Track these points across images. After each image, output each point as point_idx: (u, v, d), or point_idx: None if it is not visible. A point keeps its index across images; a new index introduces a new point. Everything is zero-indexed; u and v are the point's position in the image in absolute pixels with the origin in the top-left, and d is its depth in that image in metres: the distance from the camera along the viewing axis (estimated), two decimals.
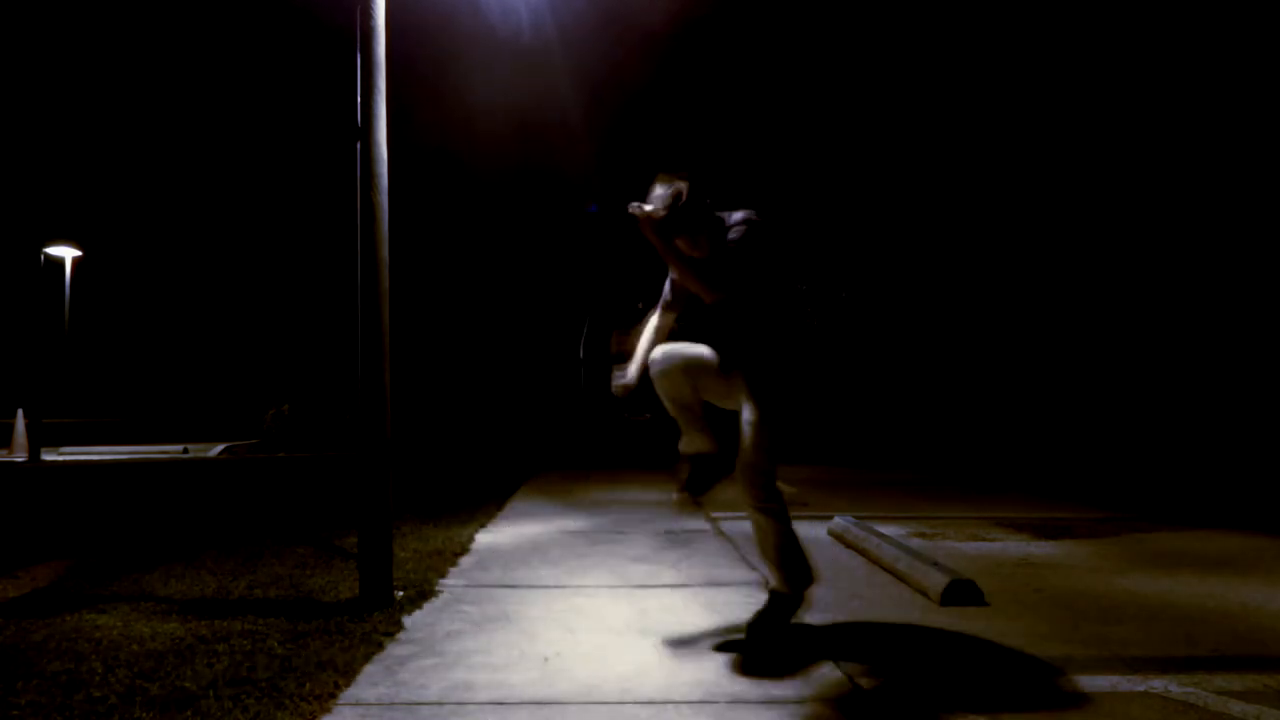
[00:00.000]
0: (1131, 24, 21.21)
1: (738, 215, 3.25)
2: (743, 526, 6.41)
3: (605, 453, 15.26)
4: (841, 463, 13.52)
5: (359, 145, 3.90)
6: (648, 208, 3.08)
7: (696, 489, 3.34)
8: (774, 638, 3.22)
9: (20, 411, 15.72)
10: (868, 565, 4.85)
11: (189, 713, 2.52)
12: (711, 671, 2.93)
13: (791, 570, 3.27)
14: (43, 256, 16.16)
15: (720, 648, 3.19)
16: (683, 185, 3.14)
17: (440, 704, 2.62)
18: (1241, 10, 19.05)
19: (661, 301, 3.51)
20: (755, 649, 3.15)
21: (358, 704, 2.62)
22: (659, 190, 3.16)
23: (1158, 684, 2.81)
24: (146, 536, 5.90)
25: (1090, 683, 2.83)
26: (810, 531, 6.14)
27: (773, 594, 3.35)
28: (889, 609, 3.84)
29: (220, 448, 16.99)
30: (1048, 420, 19.70)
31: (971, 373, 22.92)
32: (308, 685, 2.74)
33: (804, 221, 25.32)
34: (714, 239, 3.21)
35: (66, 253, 16.30)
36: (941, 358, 23.70)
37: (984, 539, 5.81)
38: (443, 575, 4.46)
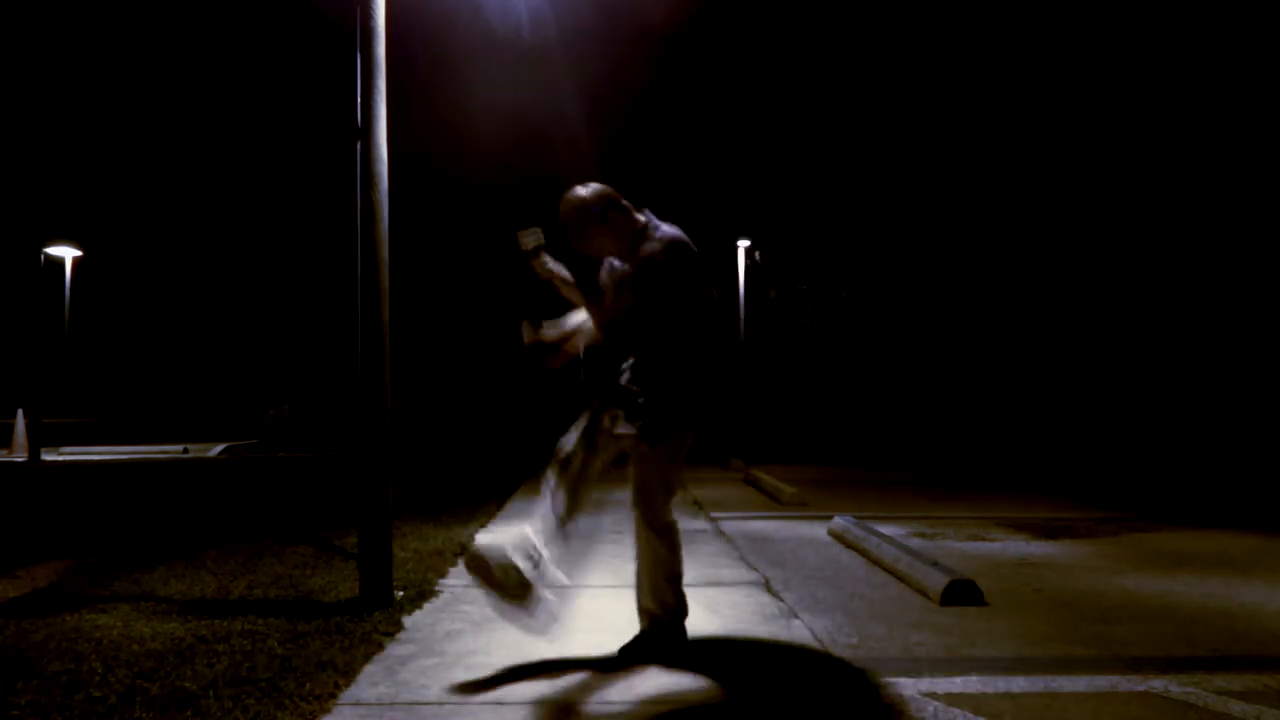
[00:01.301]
0: (1131, 24, 21.20)
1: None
2: (743, 527, 6.41)
3: None
4: (841, 463, 13.52)
5: (359, 145, 3.89)
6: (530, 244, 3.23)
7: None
8: (642, 660, 3.02)
9: (20, 411, 15.72)
10: (868, 565, 4.85)
11: (189, 713, 2.52)
12: (713, 671, 2.92)
13: (663, 599, 3.09)
14: (43, 256, 16.16)
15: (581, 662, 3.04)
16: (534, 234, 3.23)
17: (441, 704, 2.62)
18: (1241, 10, 19.04)
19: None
20: (623, 665, 3.00)
21: (358, 704, 2.62)
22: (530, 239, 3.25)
23: (1158, 684, 2.81)
24: (146, 536, 5.90)
25: (1090, 683, 2.83)
26: (810, 531, 6.14)
27: (652, 621, 3.12)
28: (889, 609, 3.84)
29: (220, 448, 16.98)
30: (1048, 420, 19.70)
31: (972, 373, 22.92)
32: (308, 685, 2.74)
33: (805, 221, 25.32)
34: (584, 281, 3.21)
35: (66, 253, 16.30)
36: (942, 358, 23.70)
37: (984, 539, 5.82)
38: (443, 575, 4.46)
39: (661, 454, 3.04)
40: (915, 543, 5.54)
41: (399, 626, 3.46)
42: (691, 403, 3.08)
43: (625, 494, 3.17)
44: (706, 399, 3.13)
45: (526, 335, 3.26)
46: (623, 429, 3.05)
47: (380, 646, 3.19)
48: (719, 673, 2.91)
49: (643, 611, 3.14)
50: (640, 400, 3.05)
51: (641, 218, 3.17)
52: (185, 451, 16.48)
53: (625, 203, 3.16)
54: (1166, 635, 3.41)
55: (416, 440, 18.30)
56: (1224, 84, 19.39)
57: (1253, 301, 18.15)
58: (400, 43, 4.13)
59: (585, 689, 2.76)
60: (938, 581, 3.99)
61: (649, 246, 3.06)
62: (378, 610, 3.69)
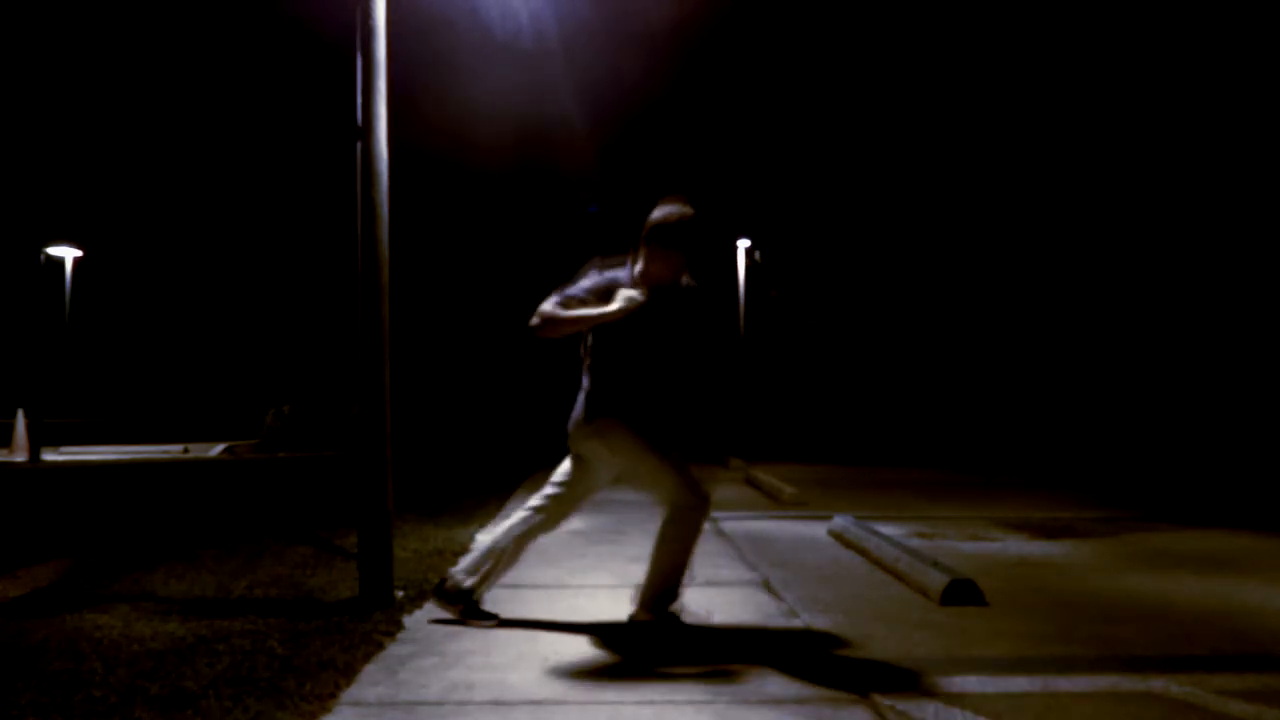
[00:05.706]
0: (1131, 24, 21.19)
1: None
2: (743, 526, 6.41)
3: None
4: (841, 461, 13.52)
5: (359, 145, 3.89)
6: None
7: None
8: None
9: (20, 411, 15.72)
10: (868, 565, 4.85)
11: (189, 713, 2.52)
12: (713, 671, 2.93)
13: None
14: (43, 256, 16.17)
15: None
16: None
17: (440, 704, 2.62)
18: (1241, 10, 19.03)
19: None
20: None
21: (358, 704, 2.62)
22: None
23: (1158, 684, 2.81)
24: (146, 536, 5.90)
25: (1090, 683, 2.83)
26: (810, 531, 6.14)
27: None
28: (889, 609, 3.84)
29: (220, 448, 16.99)
30: (1048, 420, 19.69)
31: (973, 372, 22.92)
32: (308, 685, 2.74)
33: (805, 221, 25.31)
34: None
35: (66, 253, 16.30)
36: (942, 357, 23.69)
37: (984, 539, 5.82)
38: (443, 575, 4.45)
39: None
40: (915, 542, 5.54)
41: (399, 626, 3.46)
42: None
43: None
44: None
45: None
46: None
47: (380, 646, 3.19)
48: (719, 671, 2.91)
49: None
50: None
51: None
52: (185, 451, 16.49)
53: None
54: (1166, 635, 3.41)
55: (417, 439, 18.31)
56: (1224, 84, 19.38)
57: (1253, 302, 18.14)
58: (400, 42, 4.13)
59: (585, 688, 2.76)
60: (938, 581, 3.99)
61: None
62: (378, 610, 3.69)
